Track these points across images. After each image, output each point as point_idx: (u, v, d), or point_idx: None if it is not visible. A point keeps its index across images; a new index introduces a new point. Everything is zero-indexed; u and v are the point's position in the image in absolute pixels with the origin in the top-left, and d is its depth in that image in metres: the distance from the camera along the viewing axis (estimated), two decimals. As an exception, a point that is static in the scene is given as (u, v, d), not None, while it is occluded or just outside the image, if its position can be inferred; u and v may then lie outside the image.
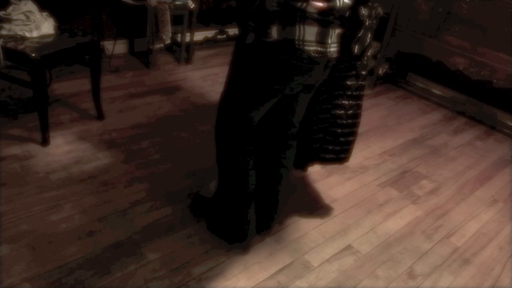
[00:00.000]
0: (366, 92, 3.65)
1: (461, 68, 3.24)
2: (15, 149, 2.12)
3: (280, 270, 1.74)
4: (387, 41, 3.58)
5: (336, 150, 1.80)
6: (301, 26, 1.28)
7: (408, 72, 3.98)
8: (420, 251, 1.98)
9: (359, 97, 1.75)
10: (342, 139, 1.78)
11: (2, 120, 2.32)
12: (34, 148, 2.15)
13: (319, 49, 1.35)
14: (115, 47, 3.30)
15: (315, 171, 2.41)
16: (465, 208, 2.35)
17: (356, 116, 1.76)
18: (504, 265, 1.99)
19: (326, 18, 1.31)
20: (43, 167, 2.04)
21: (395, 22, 3.50)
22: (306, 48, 1.32)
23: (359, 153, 2.69)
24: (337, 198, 2.23)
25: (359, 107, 1.75)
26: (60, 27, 2.26)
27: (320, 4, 1.26)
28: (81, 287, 1.51)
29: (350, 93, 1.72)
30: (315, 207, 2.14)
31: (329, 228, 2.02)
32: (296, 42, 1.30)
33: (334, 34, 1.37)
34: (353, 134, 1.80)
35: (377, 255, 1.92)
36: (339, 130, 1.75)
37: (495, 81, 3.10)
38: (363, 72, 1.71)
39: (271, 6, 1.25)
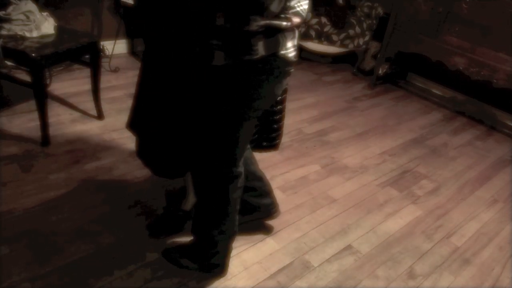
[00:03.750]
0: (366, 92, 3.66)
1: (461, 68, 3.24)
2: (15, 149, 2.12)
3: (280, 270, 1.74)
4: (387, 41, 3.58)
5: (270, 137, 1.82)
6: (282, 36, 1.27)
7: (408, 72, 3.98)
8: (420, 251, 1.98)
9: None
10: (275, 126, 1.79)
11: (2, 120, 2.32)
12: (34, 148, 2.15)
13: (296, 53, 1.35)
14: (115, 47, 3.30)
15: (315, 171, 2.42)
16: (465, 208, 2.35)
17: (282, 101, 1.77)
18: (504, 265, 1.99)
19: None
20: (43, 167, 2.04)
21: (395, 22, 3.50)
22: (289, 55, 1.31)
23: (359, 153, 2.69)
24: (337, 198, 2.23)
25: (284, 91, 1.76)
26: (60, 27, 2.26)
27: (299, 20, 1.27)
28: (81, 287, 1.51)
29: None
30: (315, 207, 2.14)
31: (329, 228, 2.02)
32: (282, 52, 1.28)
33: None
34: (282, 119, 1.81)
35: (377, 255, 1.92)
36: (271, 118, 1.76)
37: (495, 81, 3.10)
38: None
39: (254, 27, 1.19)
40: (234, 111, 1.34)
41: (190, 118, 1.43)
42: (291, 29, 1.28)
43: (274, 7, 1.19)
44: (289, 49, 1.30)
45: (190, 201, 1.80)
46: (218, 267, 1.64)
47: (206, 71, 1.29)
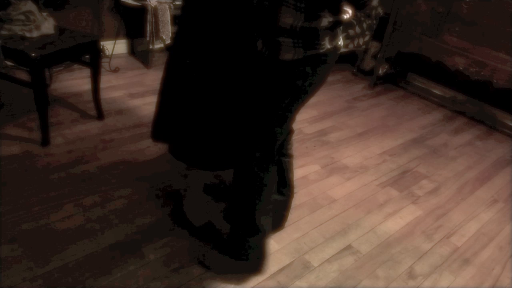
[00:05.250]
0: (366, 92, 3.66)
1: (461, 68, 3.24)
2: (15, 149, 2.12)
3: (280, 270, 1.74)
4: (387, 41, 3.58)
5: None
6: (339, 28, 1.35)
7: (408, 72, 3.98)
8: (420, 251, 1.98)
9: None
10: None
11: (2, 120, 2.32)
12: (34, 148, 2.15)
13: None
14: (115, 47, 3.30)
15: (315, 171, 2.42)
16: (465, 208, 2.35)
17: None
18: (504, 265, 1.99)
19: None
20: (43, 167, 2.04)
21: (395, 22, 3.50)
22: (340, 44, 1.40)
23: (359, 153, 2.69)
24: (337, 198, 2.23)
25: None
26: (60, 27, 2.26)
27: (350, 11, 1.36)
28: (81, 287, 1.51)
29: None
30: (315, 207, 2.14)
31: (329, 228, 2.02)
32: (339, 43, 1.37)
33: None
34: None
35: (377, 255, 1.92)
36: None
37: (495, 81, 3.10)
38: None
39: (325, 23, 1.26)
40: (291, 98, 1.40)
41: (240, 109, 1.50)
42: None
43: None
44: (341, 39, 1.39)
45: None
46: (252, 260, 1.68)
47: (268, 65, 1.35)
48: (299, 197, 2.18)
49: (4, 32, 2.03)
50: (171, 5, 3.07)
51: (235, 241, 1.65)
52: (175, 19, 3.13)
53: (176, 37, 1.58)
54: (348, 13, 1.33)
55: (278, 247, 1.85)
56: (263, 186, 1.55)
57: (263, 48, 1.34)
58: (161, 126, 1.67)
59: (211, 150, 1.61)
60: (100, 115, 2.51)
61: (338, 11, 1.28)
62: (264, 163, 1.50)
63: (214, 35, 1.41)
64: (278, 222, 1.90)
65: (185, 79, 1.52)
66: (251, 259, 1.67)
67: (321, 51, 1.31)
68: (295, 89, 1.37)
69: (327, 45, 1.31)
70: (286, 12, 1.22)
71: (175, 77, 1.56)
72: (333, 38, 1.32)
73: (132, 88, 2.96)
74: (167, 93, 1.62)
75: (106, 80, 2.86)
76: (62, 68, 2.97)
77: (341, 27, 1.36)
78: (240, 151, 1.53)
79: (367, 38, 3.82)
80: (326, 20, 1.25)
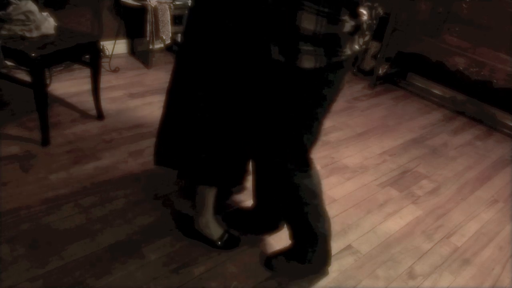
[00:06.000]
0: (366, 92, 3.66)
1: (461, 68, 3.24)
2: (15, 149, 2.12)
3: (280, 270, 1.74)
4: (387, 41, 3.58)
5: None
6: (358, 32, 1.29)
7: (408, 72, 3.98)
8: (420, 251, 1.98)
9: None
10: None
11: (2, 120, 2.32)
12: (34, 148, 2.15)
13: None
14: (115, 47, 3.30)
15: (315, 171, 2.42)
16: (465, 208, 2.35)
17: None
18: (504, 265, 1.99)
19: None
20: (43, 167, 2.04)
21: (395, 22, 3.50)
22: (357, 48, 1.34)
23: (359, 153, 2.69)
24: (337, 198, 2.23)
25: None
26: (60, 27, 2.26)
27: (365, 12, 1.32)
28: (81, 287, 1.51)
29: None
30: (315, 207, 2.14)
31: (329, 228, 2.02)
32: (357, 47, 1.32)
33: None
34: None
35: (377, 255, 1.92)
36: None
37: (495, 81, 3.10)
38: None
39: (347, 28, 1.20)
40: (314, 107, 1.35)
41: (258, 122, 1.44)
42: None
43: (361, 4, 1.21)
44: (359, 41, 1.33)
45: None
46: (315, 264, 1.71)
47: (286, 74, 1.28)
48: (299, 197, 2.18)
49: (4, 32, 2.03)
50: (171, 5, 3.07)
51: (299, 248, 1.69)
52: (175, 19, 3.14)
53: (181, 55, 1.49)
54: (364, 15, 1.27)
55: (278, 247, 1.85)
56: (307, 192, 1.54)
57: (279, 56, 1.25)
58: (166, 150, 1.62)
59: (222, 166, 1.57)
60: (100, 115, 2.51)
61: (357, 14, 1.22)
62: (300, 171, 1.49)
63: (226, 43, 1.32)
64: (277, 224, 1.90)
65: (195, 97, 1.44)
66: (315, 262, 1.70)
67: (343, 57, 1.25)
68: (318, 97, 1.33)
69: (348, 51, 1.25)
70: (307, 18, 1.14)
71: (183, 96, 1.48)
72: (353, 43, 1.27)
73: (132, 88, 2.96)
74: (175, 115, 1.54)
75: (106, 80, 2.86)
76: (62, 68, 2.97)
77: (359, 31, 1.30)
78: (272, 166, 1.49)
79: (367, 38, 3.82)
80: (348, 25, 1.19)
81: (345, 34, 1.20)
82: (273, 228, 1.90)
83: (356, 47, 1.31)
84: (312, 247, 1.67)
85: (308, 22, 1.15)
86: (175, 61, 1.52)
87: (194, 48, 1.40)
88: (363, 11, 1.27)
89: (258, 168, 1.72)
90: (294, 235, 1.68)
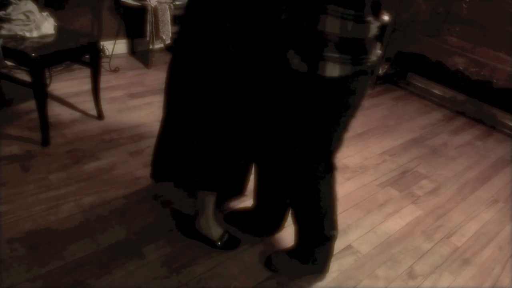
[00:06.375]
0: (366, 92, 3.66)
1: (461, 68, 3.24)
2: (15, 149, 2.12)
3: (280, 270, 1.74)
4: (387, 41, 3.58)
5: None
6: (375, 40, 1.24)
7: (408, 72, 3.98)
8: (420, 251, 1.98)
9: None
10: None
11: (2, 120, 2.32)
12: (34, 148, 2.15)
13: None
14: (115, 47, 3.30)
15: (315, 171, 2.41)
16: (465, 208, 2.35)
17: None
18: (504, 265, 1.99)
19: None
20: (43, 167, 2.04)
21: (395, 22, 3.50)
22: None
23: (359, 153, 2.69)
24: (337, 198, 2.23)
25: None
26: (60, 27, 2.26)
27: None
28: (81, 287, 1.51)
29: None
30: (315, 207, 2.14)
31: (329, 228, 2.02)
32: (380, 52, 1.29)
33: None
34: None
35: (377, 255, 1.92)
36: None
37: (495, 81, 3.10)
38: None
39: (374, 31, 1.14)
40: (339, 115, 1.30)
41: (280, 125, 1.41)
42: None
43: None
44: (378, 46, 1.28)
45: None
46: (317, 265, 1.70)
47: (309, 83, 1.22)
48: (299, 197, 2.18)
49: (4, 32, 2.03)
50: (171, 5, 3.07)
51: (305, 248, 1.68)
52: (175, 19, 3.13)
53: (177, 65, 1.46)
54: (386, 15, 1.24)
55: (278, 247, 1.85)
56: (327, 195, 1.55)
57: (301, 64, 1.18)
58: (165, 163, 1.60)
59: (223, 172, 1.57)
60: (100, 115, 2.51)
61: (379, 16, 1.16)
62: (323, 176, 1.48)
63: (223, 45, 1.25)
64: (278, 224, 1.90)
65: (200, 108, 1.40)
66: (319, 262, 1.70)
67: (368, 64, 1.19)
68: (342, 106, 1.27)
69: (373, 57, 1.20)
70: (331, 22, 1.07)
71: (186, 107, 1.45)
72: (376, 48, 1.22)
73: (132, 88, 2.96)
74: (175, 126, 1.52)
75: (106, 80, 2.86)
76: (62, 68, 2.97)
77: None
78: (296, 171, 1.47)
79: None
80: (373, 26, 1.12)
81: (371, 39, 1.15)
82: (273, 228, 1.89)
83: (379, 51, 1.26)
84: (319, 249, 1.67)
85: (332, 26, 1.08)
86: (170, 59, 1.51)
87: (187, 49, 1.36)
88: (385, 12, 1.22)
89: (261, 170, 1.72)
90: (302, 235, 1.67)
